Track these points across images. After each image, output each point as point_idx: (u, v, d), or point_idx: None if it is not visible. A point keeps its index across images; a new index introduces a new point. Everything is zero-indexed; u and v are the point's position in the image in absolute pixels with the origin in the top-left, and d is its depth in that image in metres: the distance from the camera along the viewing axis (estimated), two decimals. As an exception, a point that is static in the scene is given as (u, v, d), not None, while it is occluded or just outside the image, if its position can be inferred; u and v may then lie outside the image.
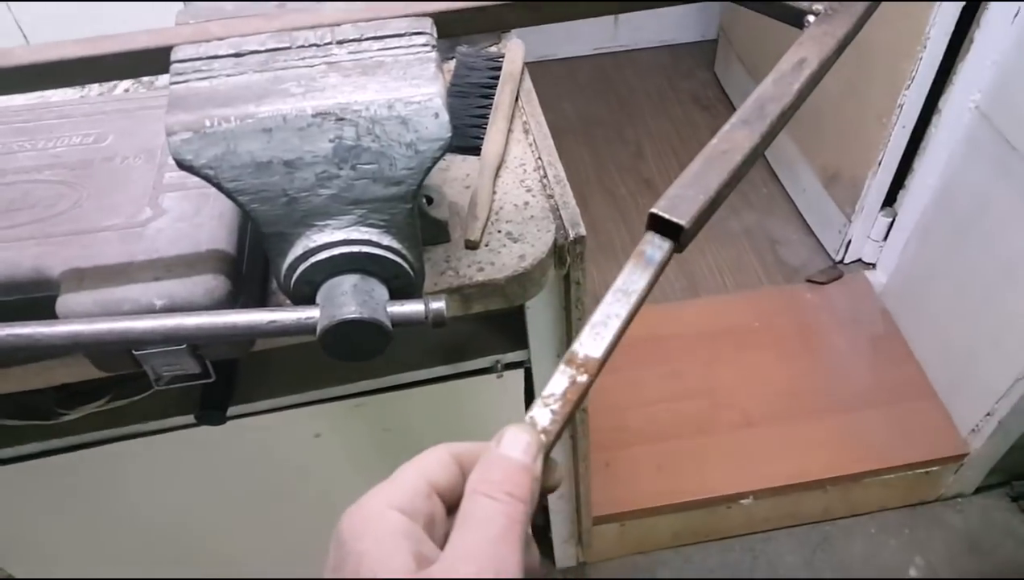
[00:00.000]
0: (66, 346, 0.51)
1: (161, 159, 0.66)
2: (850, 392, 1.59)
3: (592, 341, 0.37)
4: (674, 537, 1.51)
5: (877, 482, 1.50)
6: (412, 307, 0.52)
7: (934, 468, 1.49)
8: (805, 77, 0.46)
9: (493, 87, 0.83)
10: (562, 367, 0.36)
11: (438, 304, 0.52)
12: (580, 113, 2.31)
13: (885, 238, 1.70)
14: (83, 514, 0.98)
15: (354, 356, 0.52)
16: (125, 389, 0.84)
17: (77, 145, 0.69)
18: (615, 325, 0.37)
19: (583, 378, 0.36)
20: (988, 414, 1.40)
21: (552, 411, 0.35)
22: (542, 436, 0.35)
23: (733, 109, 2.20)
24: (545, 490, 0.36)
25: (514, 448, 0.34)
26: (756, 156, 0.42)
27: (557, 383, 0.36)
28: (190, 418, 0.85)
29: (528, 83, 0.87)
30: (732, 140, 0.42)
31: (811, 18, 0.52)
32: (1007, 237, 1.31)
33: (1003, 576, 1.47)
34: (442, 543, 0.33)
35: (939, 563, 1.48)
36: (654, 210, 0.38)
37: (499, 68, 0.85)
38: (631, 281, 0.38)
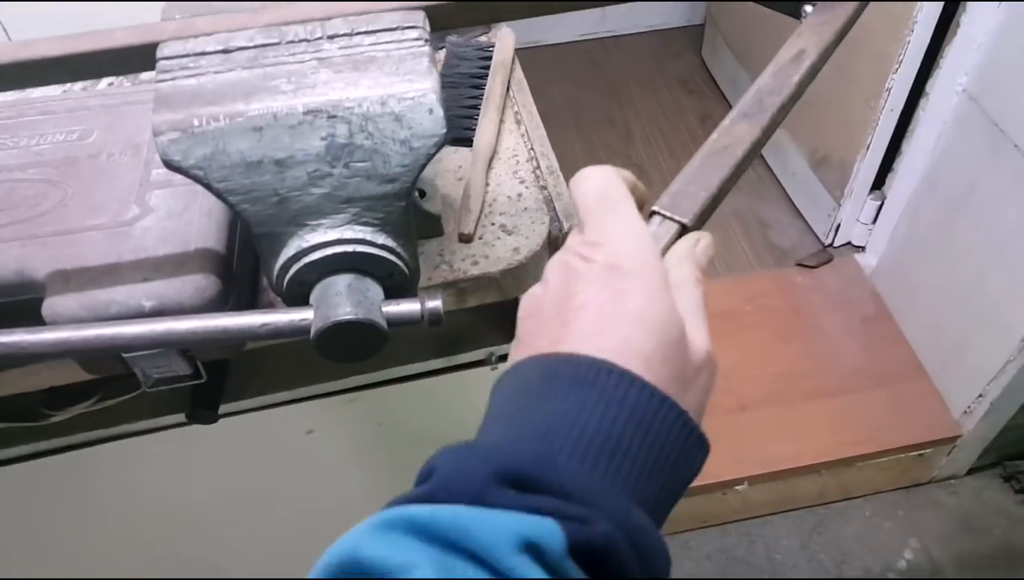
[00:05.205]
0: (54, 353, 0.50)
1: (147, 155, 0.65)
2: (842, 375, 1.59)
3: None
4: (672, 523, 1.50)
5: (871, 465, 1.50)
6: (408, 306, 0.51)
7: (927, 450, 1.50)
8: (805, 68, 0.46)
9: (484, 77, 0.82)
10: None
11: (434, 302, 0.51)
12: (569, 97, 2.29)
13: (874, 221, 1.70)
14: (75, 516, 0.97)
15: (349, 357, 0.51)
16: (114, 388, 0.82)
17: (61, 142, 0.67)
18: None
19: None
20: (980, 395, 1.40)
21: None
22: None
23: (720, 93, 2.22)
24: None
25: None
26: (757, 150, 0.42)
27: None
28: (181, 417, 0.84)
29: (519, 73, 0.85)
30: (733, 135, 0.41)
31: (808, 8, 0.51)
32: (996, 219, 1.31)
33: (997, 555, 1.48)
34: None
35: (933, 544, 1.49)
36: (656, 208, 0.38)
37: (490, 57, 0.84)
38: None
